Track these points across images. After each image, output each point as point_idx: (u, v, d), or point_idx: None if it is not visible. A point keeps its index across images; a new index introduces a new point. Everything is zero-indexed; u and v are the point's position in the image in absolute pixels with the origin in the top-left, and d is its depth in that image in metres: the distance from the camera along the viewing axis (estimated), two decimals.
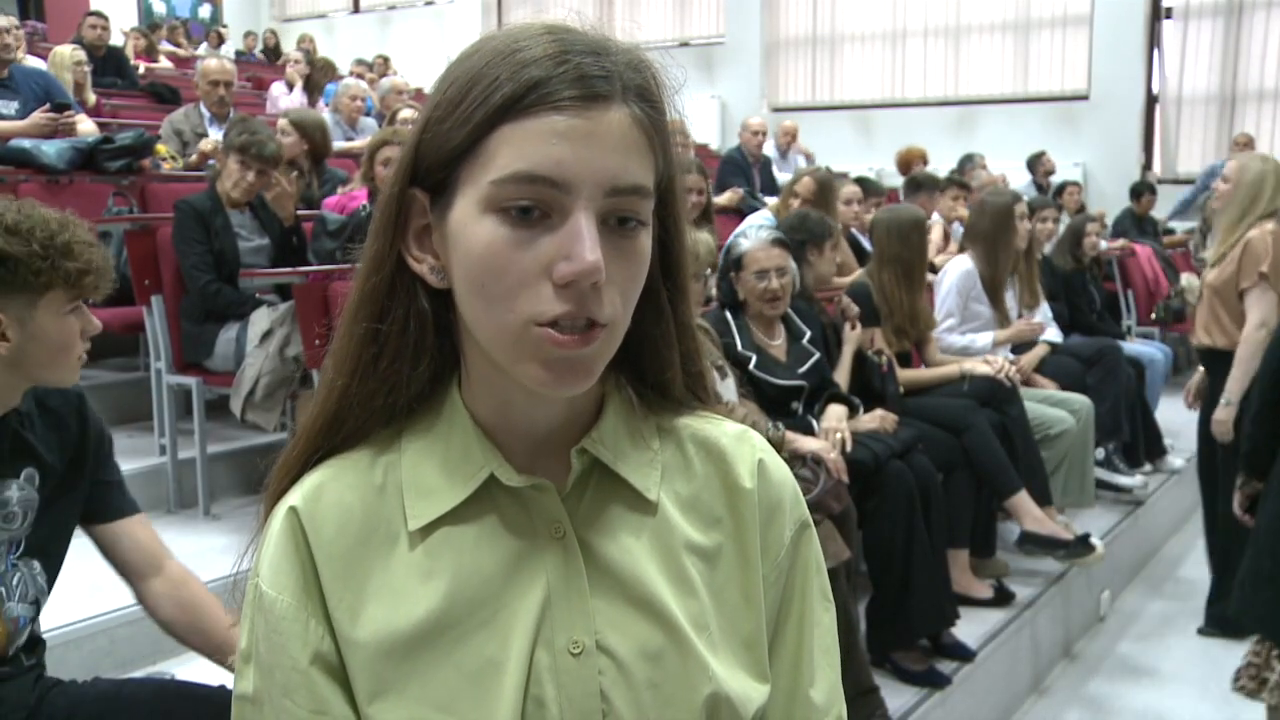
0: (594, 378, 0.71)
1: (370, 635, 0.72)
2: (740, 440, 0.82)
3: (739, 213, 5.69)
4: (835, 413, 2.96)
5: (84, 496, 1.61)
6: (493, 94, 0.67)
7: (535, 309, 0.67)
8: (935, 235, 5.50)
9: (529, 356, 0.68)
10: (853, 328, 3.35)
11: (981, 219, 4.04)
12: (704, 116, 10.69)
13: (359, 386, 0.75)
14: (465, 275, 0.70)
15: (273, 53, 12.16)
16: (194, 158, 5.01)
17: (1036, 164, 8.41)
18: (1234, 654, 3.59)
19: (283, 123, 4.65)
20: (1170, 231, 8.04)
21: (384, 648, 0.72)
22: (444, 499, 0.75)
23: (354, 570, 0.73)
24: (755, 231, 3.03)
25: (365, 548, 0.74)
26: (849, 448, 2.84)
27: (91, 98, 6.09)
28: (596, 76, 0.68)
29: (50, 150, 4.28)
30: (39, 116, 4.60)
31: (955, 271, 4.03)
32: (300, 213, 4.27)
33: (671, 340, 0.79)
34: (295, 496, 0.75)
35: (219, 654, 1.61)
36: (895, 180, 7.90)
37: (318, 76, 8.24)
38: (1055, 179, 8.28)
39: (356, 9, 14.73)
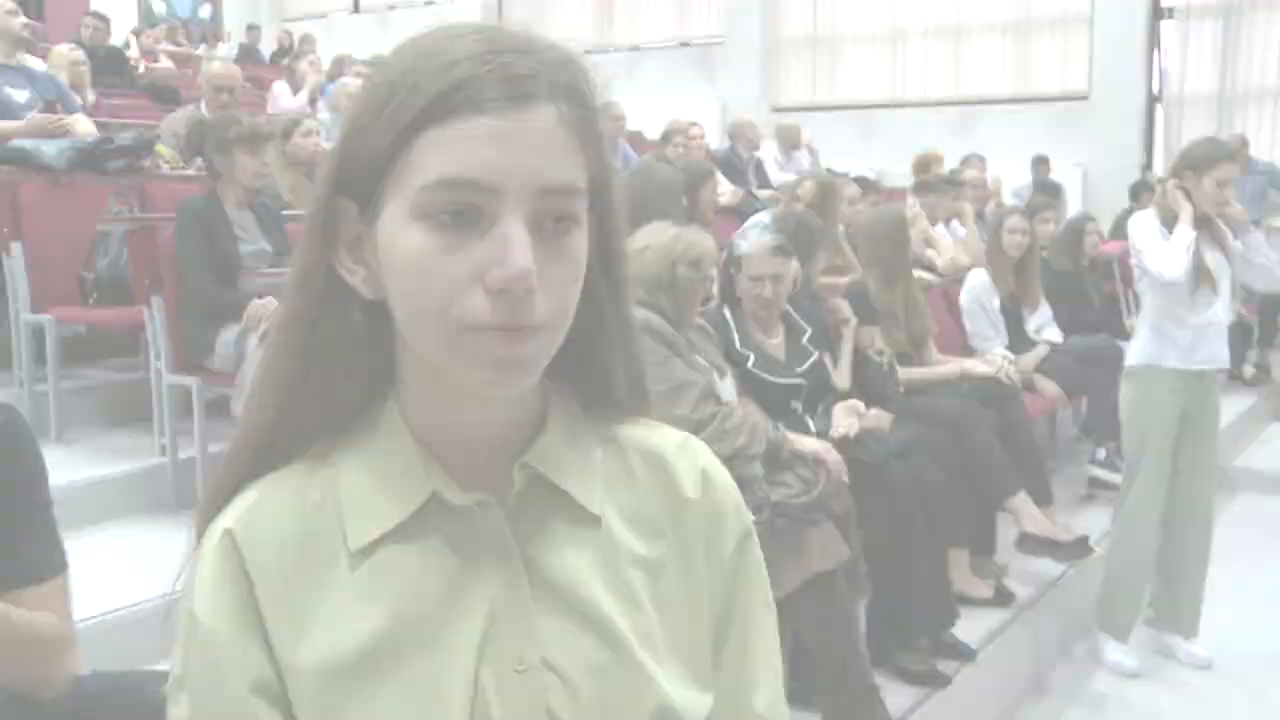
0: (535, 376, 0.70)
1: (312, 660, 0.70)
2: (682, 449, 0.81)
3: (739, 213, 5.69)
4: (846, 407, 2.97)
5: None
6: (416, 98, 0.66)
7: (468, 315, 0.66)
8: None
9: (467, 359, 0.67)
10: (842, 330, 3.34)
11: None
12: (704, 116, 10.70)
13: (290, 403, 0.73)
14: (397, 285, 0.68)
15: (282, 52, 12.09)
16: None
17: (1039, 165, 8.44)
18: (1232, 653, 3.60)
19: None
20: None
21: (327, 672, 0.70)
22: (385, 518, 0.72)
23: (293, 593, 0.71)
24: (758, 235, 2.99)
25: (304, 569, 0.72)
26: (853, 432, 2.87)
27: (91, 97, 6.09)
28: (522, 76, 0.66)
29: (50, 150, 4.28)
30: (37, 117, 4.61)
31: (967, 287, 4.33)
32: (299, 213, 4.28)
33: (613, 338, 0.78)
34: (229, 518, 0.72)
35: None
36: (898, 181, 7.90)
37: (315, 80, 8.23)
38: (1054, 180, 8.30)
39: (356, 9, 14.73)
